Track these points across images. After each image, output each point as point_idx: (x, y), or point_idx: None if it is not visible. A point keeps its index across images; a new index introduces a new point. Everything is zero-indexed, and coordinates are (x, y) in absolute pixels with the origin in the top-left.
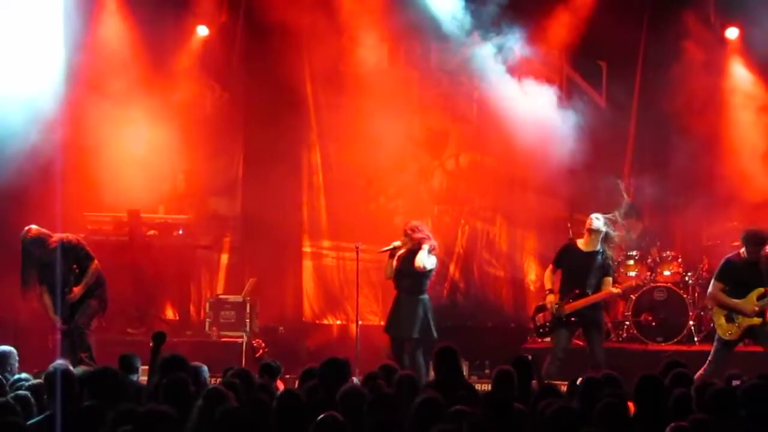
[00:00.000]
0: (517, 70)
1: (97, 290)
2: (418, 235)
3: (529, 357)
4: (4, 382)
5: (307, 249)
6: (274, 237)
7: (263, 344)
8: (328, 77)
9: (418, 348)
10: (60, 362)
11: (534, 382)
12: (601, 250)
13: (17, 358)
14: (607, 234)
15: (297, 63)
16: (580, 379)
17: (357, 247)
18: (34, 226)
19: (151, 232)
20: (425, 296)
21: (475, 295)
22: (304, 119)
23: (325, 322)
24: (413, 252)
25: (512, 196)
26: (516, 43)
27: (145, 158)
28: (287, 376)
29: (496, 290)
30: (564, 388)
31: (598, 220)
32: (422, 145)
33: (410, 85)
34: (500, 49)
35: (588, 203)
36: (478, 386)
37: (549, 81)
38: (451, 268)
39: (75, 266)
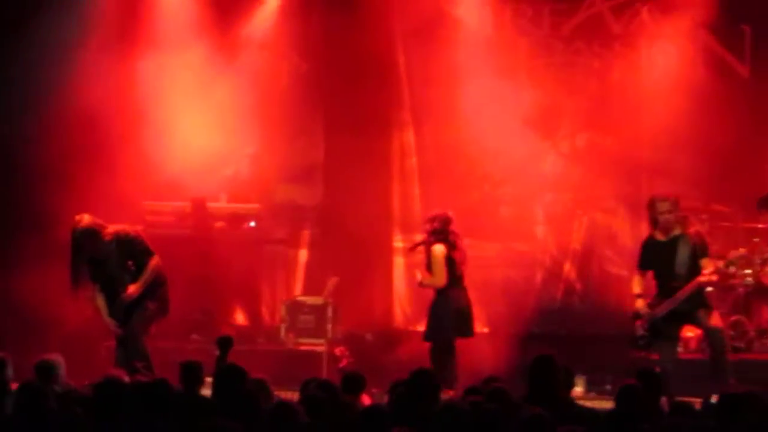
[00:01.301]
0: (643, 36)
1: (157, 290)
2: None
3: (658, 369)
4: (50, 396)
5: (398, 244)
6: (361, 230)
7: (347, 353)
8: (423, 46)
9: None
10: (114, 373)
11: (664, 399)
12: (679, 234)
13: (64, 368)
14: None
15: (386, 29)
16: (715, 396)
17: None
18: (86, 216)
19: (219, 224)
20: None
21: (594, 299)
22: (394, 95)
23: (419, 328)
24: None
25: (638, 183)
26: (643, 5)
27: (207, 138)
28: (374, 391)
29: (619, 293)
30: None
31: (663, 203)
32: (532, 124)
33: (518, 53)
34: (624, 11)
35: (727, 191)
36: (597, 404)
37: (681, 48)
38: (566, 266)
39: (132, 262)
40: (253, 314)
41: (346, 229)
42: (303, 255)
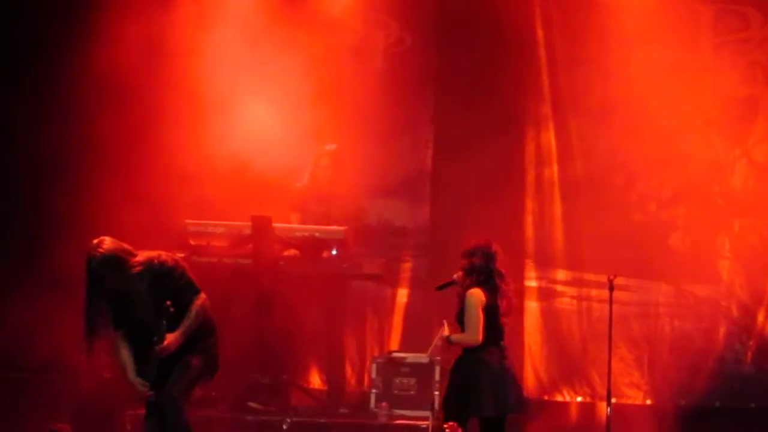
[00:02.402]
0: None
1: (203, 341)
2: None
3: None
4: None
5: (531, 283)
6: None
7: (460, 431)
8: (570, 18)
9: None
10: None
11: None
12: None
13: None
14: None
15: None
16: None
17: (611, 282)
18: (107, 239)
19: (289, 253)
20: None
21: None
22: (530, 81)
23: (558, 398)
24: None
25: None
26: None
27: (274, 136)
28: None
29: None
30: None
31: None
32: (716, 123)
33: (698, 26)
34: None
35: None
36: None
37: None
38: (760, 317)
39: (169, 303)
40: (334, 376)
41: (461, 262)
42: (402, 295)
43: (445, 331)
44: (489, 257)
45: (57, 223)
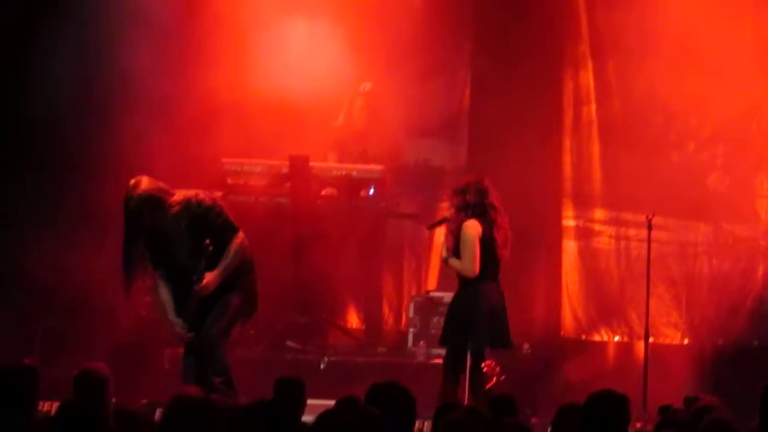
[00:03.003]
0: None
1: (242, 280)
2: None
3: None
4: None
5: (569, 222)
6: (518, 203)
7: (497, 369)
8: None
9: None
10: (184, 392)
11: None
12: None
13: (112, 383)
14: None
15: None
16: None
17: (649, 221)
18: (144, 178)
19: (326, 192)
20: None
21: None
22: (569, 21)
23: (596, 338)
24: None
25: None
26: None
27: (310, 74)
28: (533, 420)
29: None
30: None
31: None
32: (756, 62)
33: None
34: None
35: None
36: None
37: None
38: None
39: (208, 242)
40: (372, 315)
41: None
42: (440, 234)
43: (444, 252)
44: (482, 193)
45: (93, 159)
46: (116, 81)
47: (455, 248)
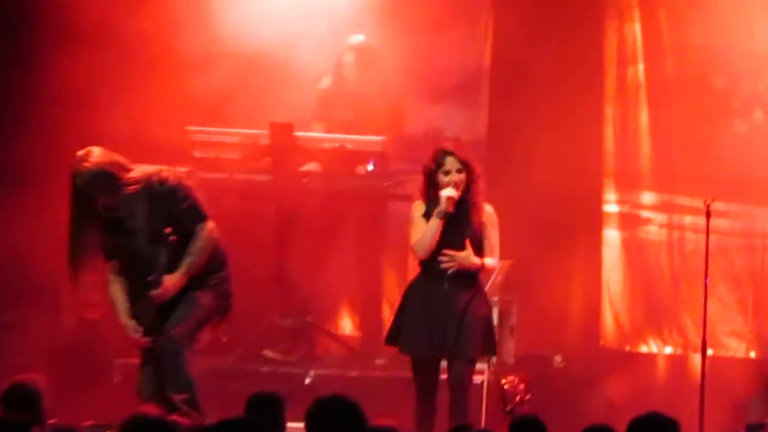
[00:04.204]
0: None
1: (212, 275)
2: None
3: None
4: None
5: (611, 208)
6: (549, 184)
7: (522, 387)
8: None
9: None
10: (139, 411)
11: None
12: None
13: (46, 398)
14: None
15: None
16: None
17: (708, 207)
18: (96, 150)
19: (313, 167)
20: None
21: None
22: None
23: (643, 349)
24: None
25: None
26: None
27: (291, 25)
28: None
29: None
30: None
31: None
32: None
33: None
34: None
35: None
36: None
37: None
38: None
39: (171, 229)
40: (369, 320)
41: (526, 181)
42: None
43: (468, 248)
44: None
45: (25, 120)
46: (62, 19)
47: (471, 232)
